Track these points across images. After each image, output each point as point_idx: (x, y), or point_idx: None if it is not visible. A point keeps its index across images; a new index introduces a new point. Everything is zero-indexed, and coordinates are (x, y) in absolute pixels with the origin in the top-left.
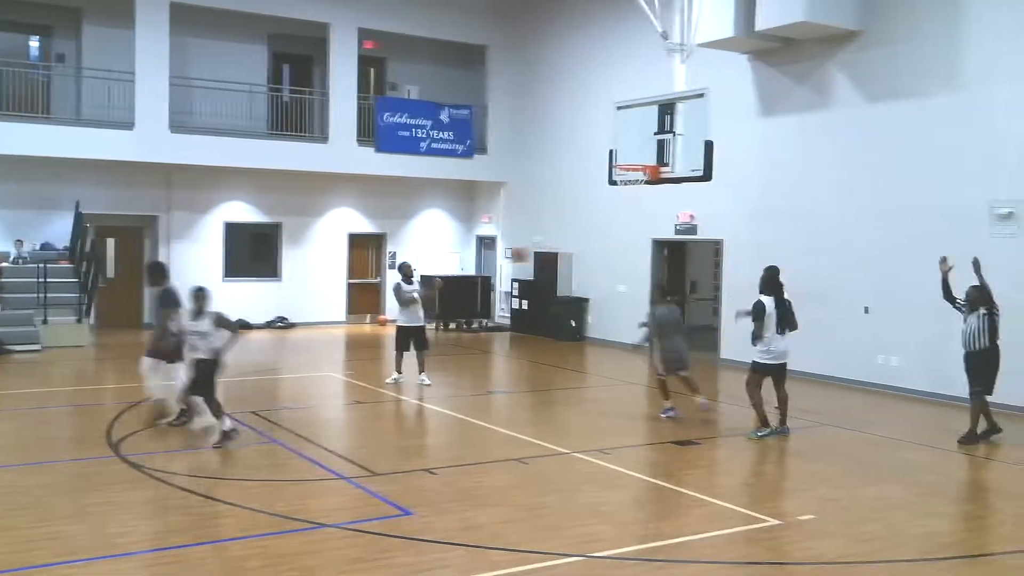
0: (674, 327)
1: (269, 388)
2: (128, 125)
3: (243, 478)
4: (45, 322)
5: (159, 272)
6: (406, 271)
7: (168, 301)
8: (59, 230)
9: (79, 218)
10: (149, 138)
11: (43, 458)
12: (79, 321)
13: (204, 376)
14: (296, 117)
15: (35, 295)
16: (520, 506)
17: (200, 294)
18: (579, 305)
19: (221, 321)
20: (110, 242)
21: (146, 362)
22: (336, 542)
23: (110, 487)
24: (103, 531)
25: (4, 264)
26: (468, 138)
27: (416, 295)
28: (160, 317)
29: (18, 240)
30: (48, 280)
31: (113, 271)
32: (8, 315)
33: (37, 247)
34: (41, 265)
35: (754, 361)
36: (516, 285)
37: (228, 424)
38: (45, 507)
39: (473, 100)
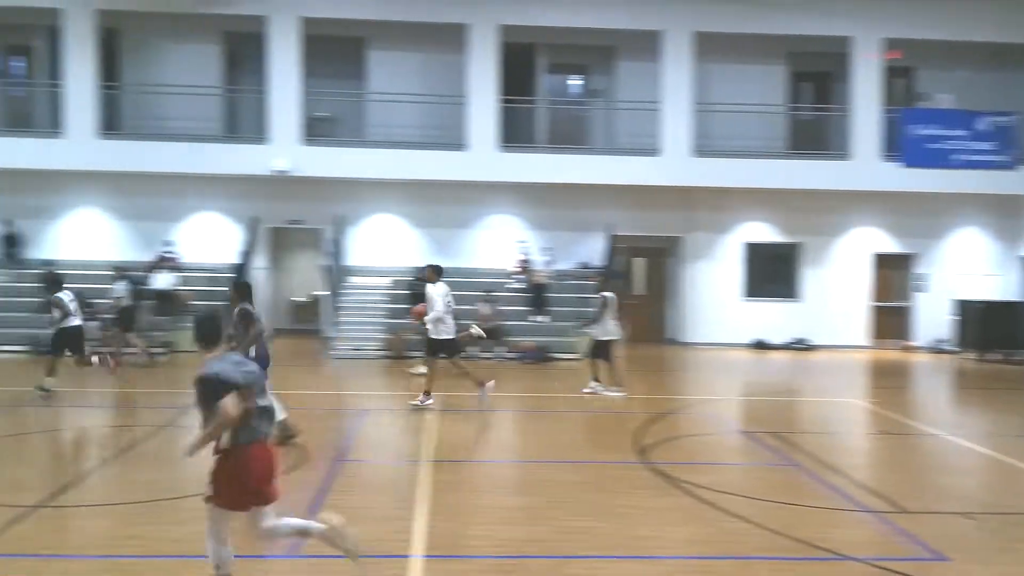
0: None
1: (790, 410)
2: (654, 151)
3: (763, 498)
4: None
5: (243, 290)
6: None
7: (248, 319)
8: (592, 250)
9: (611, 239)
10: (672, 163)
11: (576, 457)
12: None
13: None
14: (815, 135)
15: (574, 309)
16: None
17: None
18: None
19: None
20: (638, 261)
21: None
22: None
23: (637, 491)
24: (632, 532)
25: (548, 281)
26: (1012, 148)
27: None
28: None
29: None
30: (584, 296)
31: (642, 289)
32: (551, 326)
33: (572, 266)
34: (579, 282)
35: None
36: None
37: None
38: (579, 503)
39: (1018, 105)
